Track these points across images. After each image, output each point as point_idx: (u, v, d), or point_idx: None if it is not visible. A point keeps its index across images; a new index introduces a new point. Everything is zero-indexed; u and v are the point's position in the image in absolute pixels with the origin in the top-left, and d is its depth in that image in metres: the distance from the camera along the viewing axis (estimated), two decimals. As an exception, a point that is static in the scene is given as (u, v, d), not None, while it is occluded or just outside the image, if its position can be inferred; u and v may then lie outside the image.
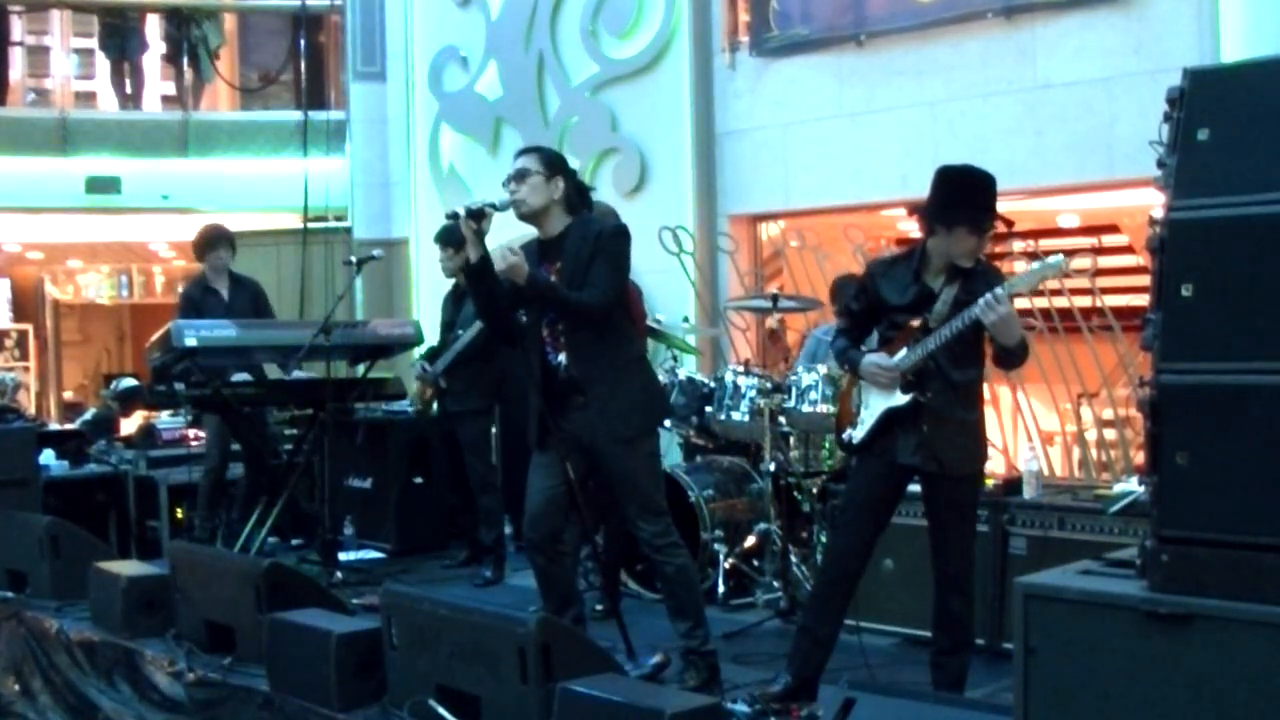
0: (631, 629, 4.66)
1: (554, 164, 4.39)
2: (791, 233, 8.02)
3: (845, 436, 4.28)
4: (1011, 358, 4.01)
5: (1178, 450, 2.76)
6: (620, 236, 4.40)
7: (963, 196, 3.99)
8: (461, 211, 4.40)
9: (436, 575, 6.81)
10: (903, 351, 4.05)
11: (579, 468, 4.37)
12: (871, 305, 4.25)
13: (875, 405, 4.12)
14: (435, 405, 6.94)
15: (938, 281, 4.06)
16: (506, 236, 4.55)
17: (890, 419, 4.07)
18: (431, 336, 7.04)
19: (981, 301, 3.80)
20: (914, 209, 4.15)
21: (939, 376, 4.00)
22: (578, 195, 4.43)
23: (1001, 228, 4.14)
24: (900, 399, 4.04)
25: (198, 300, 7.19)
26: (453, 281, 6.76)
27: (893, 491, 4.18)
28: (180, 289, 7.92)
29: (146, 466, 7.74)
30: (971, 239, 3.98)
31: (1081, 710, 2.84)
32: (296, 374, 7.05)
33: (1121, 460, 6.55)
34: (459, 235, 6.56)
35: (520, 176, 4.35)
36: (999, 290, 3.79)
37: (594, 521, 4.93)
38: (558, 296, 4.26)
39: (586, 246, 4.29)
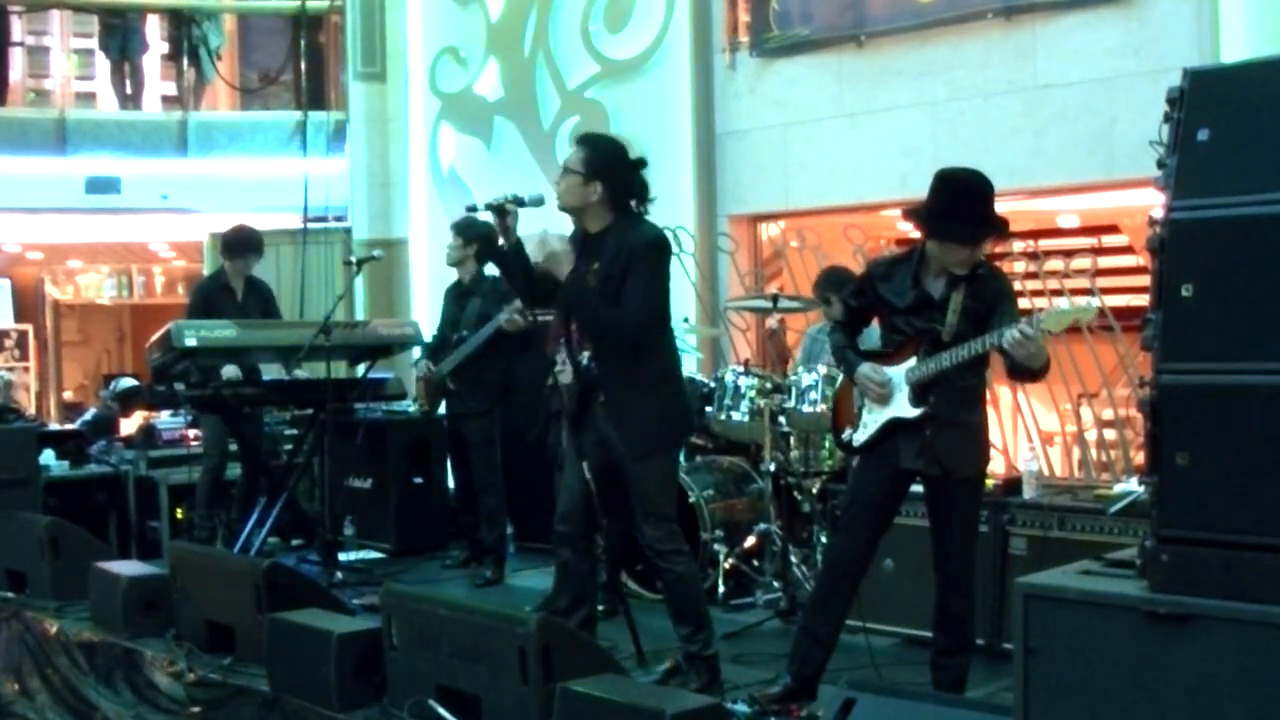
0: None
1: (598, 164, 4.24)
2: (791, 233, 8.01)
3: (845, 437, 4.28)
4: (1033, 376, 3.97)
5: (1178, 450, 2.76)
6: (655, 249, 4.25)
7: (954, 209, 3.93)
8: (480, 206, 4.37)
9: (436, 575, 6.81)
10: (911, 361, 4.02)
11: (598, 462, 4.35)
12: (870, 304, 4.24)
13: (880, 410, 4.11)
14: (441, 405, 6.92)
15: (938, 284, 4.04)
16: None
17: (895, 425, 4.07)
18: (430, 334, 7.04)
19: (1011, 336, 3.72)
20: (909, 213, 4.13)
21: (942, 381, 3.99)
22: (627, 194, 4.28)
23: (1000, 236, 4.12)
24: (910, 411, 4.01)
25: (212, 295, 7.24)
26: (455, 276, 6.76)
27: (895, 494, 4.18)
28: (196, 284, 7.96)
29: (146, 466, 7.75)
30: (964, 250, 3.95)
31: (1081, 710, 2.83)
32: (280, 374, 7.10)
33: (1121, 460, 6.55)
34: (474, 228, 6.64)
35: (564, 170, 4.29)
36: (1029, 330, 3.69)
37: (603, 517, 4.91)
38: (590, 307, 4.21)
39: (620, 258, 4.18)
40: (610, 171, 4.26)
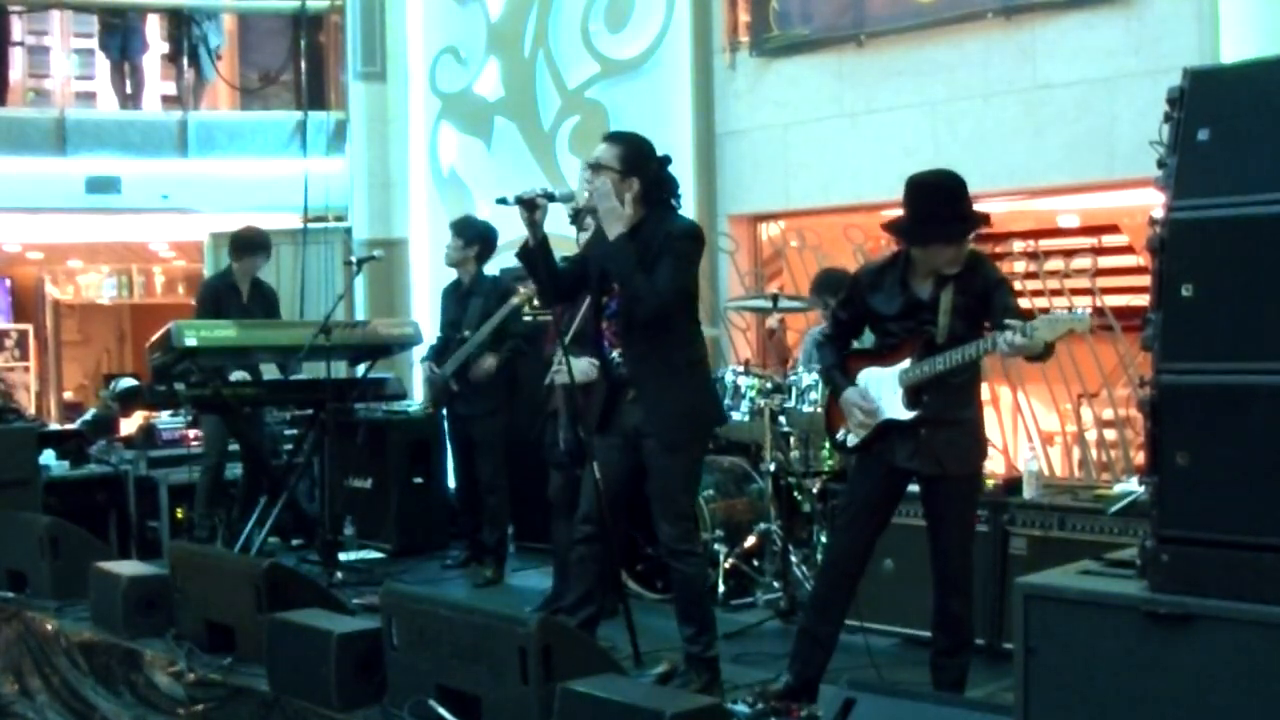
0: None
1: (632, 160, 4.26)
2: (791, 233, 8.01)
3: (840, 437, 4.28)
4: (1040, 359, 3.97)
5: (1178, 450, 2.76)
6: (690, 238, 4.29)
7: (931, 210, 3.93)
8: (510, 199, 4.33)
9: (436, 575, 6.81)
10: (905, 363, 4.02)
11: (614, 463, 4.35)
12: (859, 314, 4.23)
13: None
14: (445, 407, 6.90)
15: (925, 287, 4.03)
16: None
17: (889, 426, 4.07)
18: (431, 334, 7.03)
19: (1005, 343, 3.72)
20: (888, 226, 4.12)
21: (935, 380, 3.98)
22: (657, 189, 4.31)
23: (983, 228, 4.11)
24: (904, 414, 4.01)
25: (220, 294, 7.26)
26: (454, 276, 6.75)
27: (892, 493, 4.17)
28: (204, 282, 7.96)
29: (146, 466, 7.75)
30: (949, 250, 3.95)
31: (1081, 710, 2.83)
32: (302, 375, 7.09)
33: (1121, 460, 6.55)
34: (473, 228, 6.64)
35: (595, 168, 4.26)
36: (1020, 340, 3.69)
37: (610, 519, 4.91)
38: (630, 266, 4.15)
39: (655, 243, 4.20)
40: (644, 167, 4.29)
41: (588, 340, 4.78)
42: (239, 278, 7.33)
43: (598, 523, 4.39)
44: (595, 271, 4.38)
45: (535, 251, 4.33)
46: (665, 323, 4.24)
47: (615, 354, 4.37)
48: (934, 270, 3.99)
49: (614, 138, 4.41)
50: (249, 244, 7.35)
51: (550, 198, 4.32)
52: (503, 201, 4.43)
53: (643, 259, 4.18)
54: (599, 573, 4.48)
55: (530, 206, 4.28)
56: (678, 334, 4.31)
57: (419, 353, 7.60)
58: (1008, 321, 3.74)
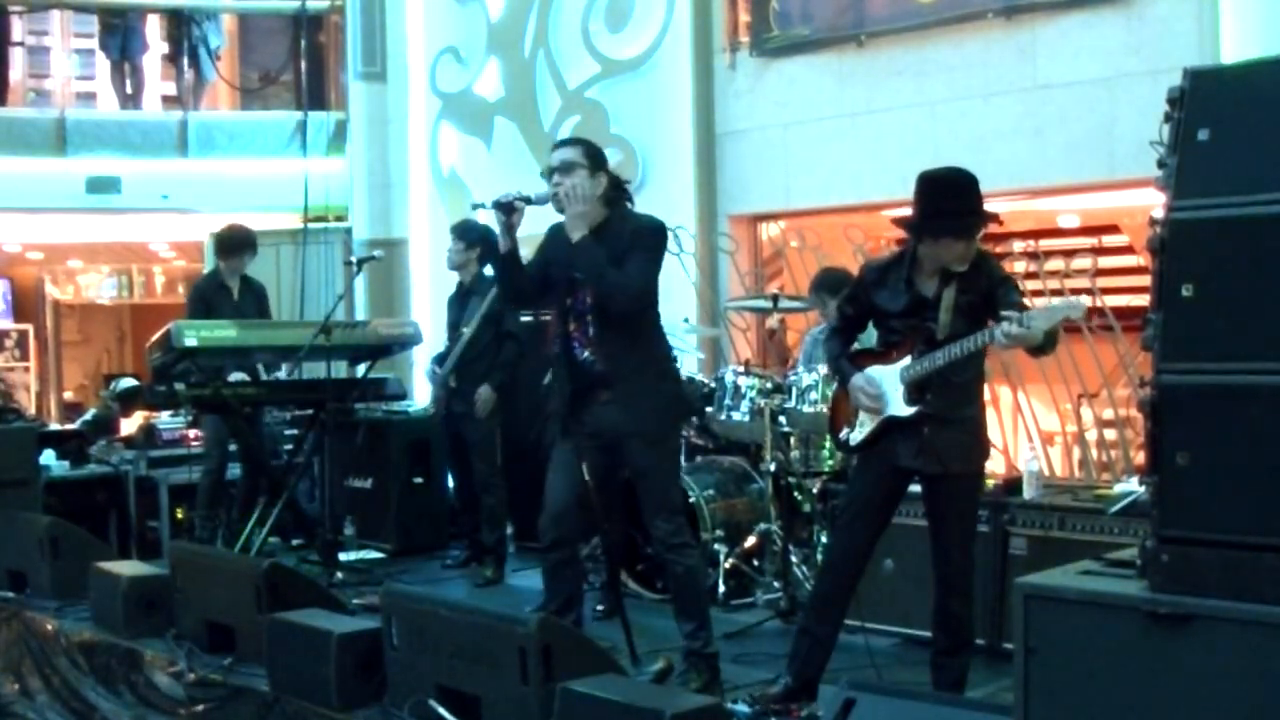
0: (631, 629, 4.67)
1: (598, 158, 4.30)
2: (791, 233, 8.02)
3: (843, 436, 4.28)
4: (1042, 351, 3.96)
5: (1178, 450, 2.75)
6: (658, 234, 4.35)
7: (943, 205, 3.93)
8: (487, 204, 4.33)
9: (436, 575, 6.81)
10: (906, 360, 4.02)
11: (597, 464, 4.36)
12: (864, 310, 4.24)
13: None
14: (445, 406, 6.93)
15: (930, 284, 4.03)
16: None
17: (891, 424, 4.07)
18: (436, 338, 7.03)
19: (1002, 334, 3.72)
20: (898, 221, 4.13)
21: (938, 378, 3.99)
22: (614, 189, 4.34)
23: (992, 226, 4.11)
24: (905, 410, 4.02)
25: (209, 295, 7.26)
26: (457, 280, 6.76)
27: (893, 493, 4.17)
28: (193, 283, 7.97)
29: (146, 466, 7.75)
30: (959, 245, 3.94)
31: (1081, 710, 2.83)
32: (280, 374, 7.10)
33: (1121, 460, 6.55)
34: (475, 230, 6.64)
35: (566, 169, 4.26)
36: (1014, 329, 3.68)
37: (603, 519, 4.93)
38: (600, 264, 4.16)
39: (623, 241, 4.22)
40: (605, 165, 4.35)
41: None
42: (227, 276, 7.31)
43: (571, 525, 4.40)
44: (559, 273, 4.36)
45: (507, 259, 4.33)
46: (640, 318, 4.28)
47: (586, 354, 4.35)
48: (940, 267, 3.99)
49: (571, 141, 4.45)
50: (235, 243, 7.34)
51: (527, 201, 4.31)
52: (480, 206, 4.43)
53: (612, 255, 4.19)
54: (576, 577, 4.50)
55: (508, 210, 4.27)
56: (650, 329, 4.37)
57: (420, 353, 7.60)
58: (1004, 313, 3.75)
